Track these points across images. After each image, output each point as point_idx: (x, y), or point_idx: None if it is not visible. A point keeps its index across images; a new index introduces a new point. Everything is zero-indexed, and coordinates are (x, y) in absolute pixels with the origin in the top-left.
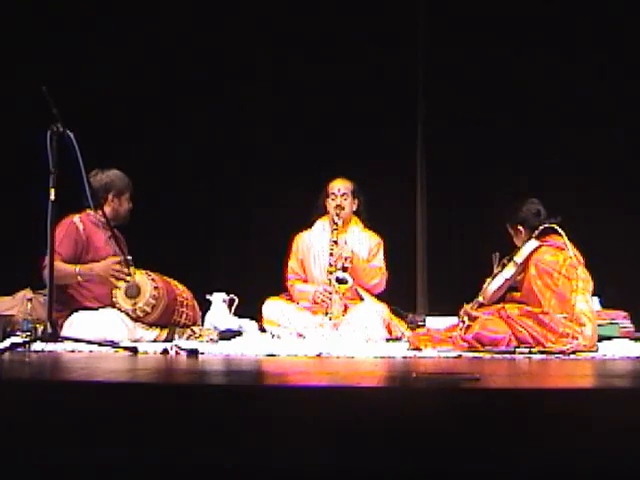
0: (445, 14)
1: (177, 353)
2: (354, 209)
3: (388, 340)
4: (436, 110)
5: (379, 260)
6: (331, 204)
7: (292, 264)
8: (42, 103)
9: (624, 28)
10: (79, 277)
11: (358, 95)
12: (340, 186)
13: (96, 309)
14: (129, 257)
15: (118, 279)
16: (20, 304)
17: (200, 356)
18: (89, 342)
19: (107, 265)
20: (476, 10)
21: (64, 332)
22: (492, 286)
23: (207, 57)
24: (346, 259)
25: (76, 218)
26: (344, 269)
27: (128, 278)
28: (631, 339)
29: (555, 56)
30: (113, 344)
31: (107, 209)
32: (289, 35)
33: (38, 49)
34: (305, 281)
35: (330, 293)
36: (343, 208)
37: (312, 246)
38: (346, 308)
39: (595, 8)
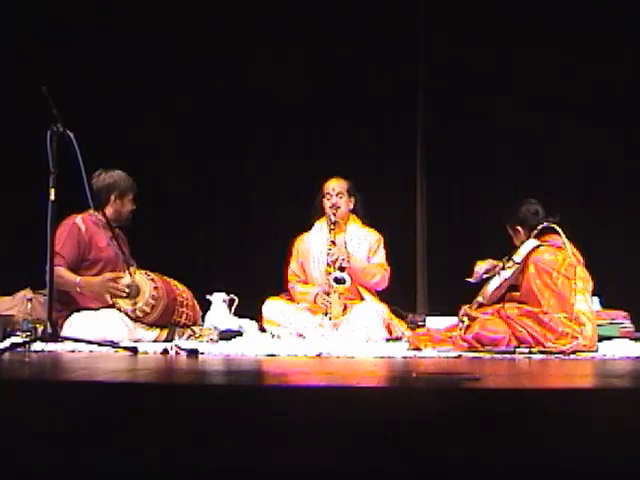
0: (446, 13)
1: (177, 353)
2: (351, 207)
3: (388, 340)
4: (436, 110)
5: (380, 256)
6: (327, 204)
7: (292, 266)
8: (42, 103)
9: (625, 27)
10: (78, 289)
11: (358, 95)
12: (334, 185)
13: (96, 309)
14: (132, 262)
15: (115, 296)
16: (20, 304)
17: (200, 356)
18: (89, 342)
19: (104, 283)
20: (477, 10)
21: (64, 332)
22: (491, 286)
23: (206, 57)
24: (343, 259)
25: (78, 219)
26: (341, 269)
27: (125, 293)
28: (631, 339)
29: (556, 56)
30: (113, 344)
31: (109, 210)
32: (289, 34)
33: (38, 49)
34: (306, 283)
35: (329, 295)
36: (339, 207)
37: (311, 247)
38: (346, 308)
39: (595, 8)
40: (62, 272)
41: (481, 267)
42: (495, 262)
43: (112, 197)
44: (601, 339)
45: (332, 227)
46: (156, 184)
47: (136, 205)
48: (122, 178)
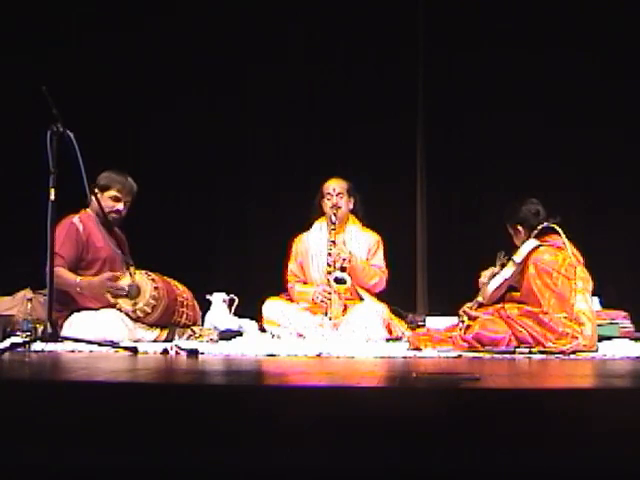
0: (445, 15)
1: (177, 353)
2: (350, 208)
3: (388, 340)
4: (436, 109)
5: (379, 259)
6: (327, 204)
7: (291, 266)
8: (42, 103)
9: (625, 27)
10: (78, 289)
11: (358, 95)
12: (335, 185)
13: (96, 309)
14: (131, 261)
15: (115, 296)
16: (20, 304)
17: (200, 356)
18: (89, 342)
19: (102, 283)
20: (477, 12)
21: (64, 332)
22: (491, 286)
23: (206, 58)
24: (344, 259)
25: (76, 219)
26: (342, 269)
27: (125, 291)
28: (631, 339)
29: (555, 56)
30: (113, 344)
31: (92, 205)
32: (289, 34)
33: (38, 49)
34: (305, 283)
35: (329, 293)
36: (339, 207)
37: (310, 247)
38: (346, 308)
39: (596, 8)
40: (62, 272)
41: (485, 276)
42: (497, 270)
43: (96, 191)
44: (601, 339)
45: (332, 227)
46: (156, 184)
47: (132, 207)
48: (109, 174)
